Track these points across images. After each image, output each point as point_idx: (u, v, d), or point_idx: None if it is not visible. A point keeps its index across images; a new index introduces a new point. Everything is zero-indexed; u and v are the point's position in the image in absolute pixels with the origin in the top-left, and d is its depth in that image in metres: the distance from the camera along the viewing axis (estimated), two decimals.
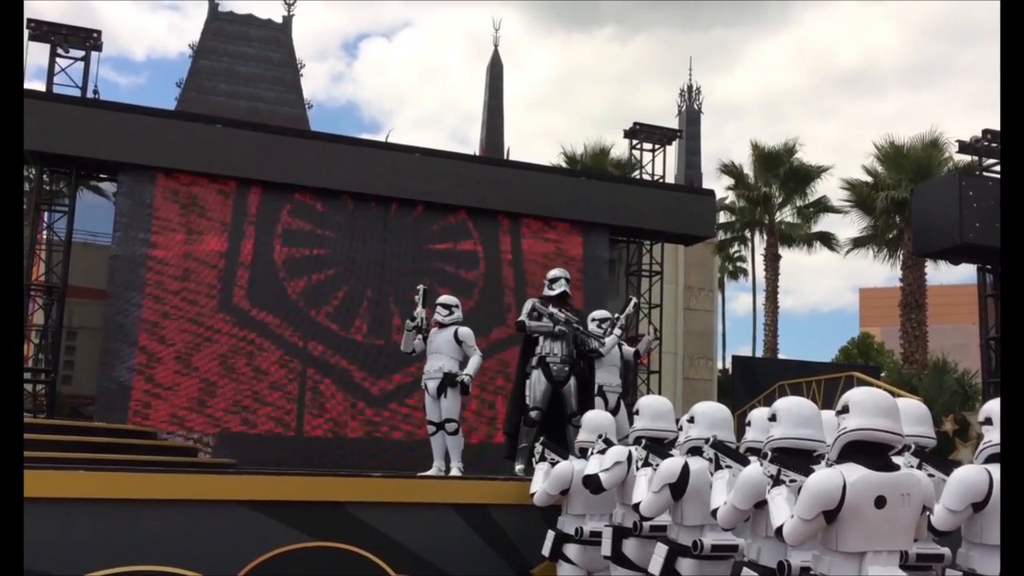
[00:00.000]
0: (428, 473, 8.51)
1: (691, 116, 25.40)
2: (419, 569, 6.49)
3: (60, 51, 14.90)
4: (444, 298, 9.00)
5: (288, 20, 22.38)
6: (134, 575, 5.86)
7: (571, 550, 6.15)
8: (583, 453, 6.27)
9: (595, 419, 6.52)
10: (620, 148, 25.38)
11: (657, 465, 5.28)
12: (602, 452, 5.93)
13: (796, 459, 4.25)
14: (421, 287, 9.10)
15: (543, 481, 6.43)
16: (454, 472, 8.46)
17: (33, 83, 23.94)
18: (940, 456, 5.71)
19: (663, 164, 18.98)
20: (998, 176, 16.20)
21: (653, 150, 18.94)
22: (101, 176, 15.73)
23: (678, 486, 5.07)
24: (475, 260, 16.02)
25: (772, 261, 27.44)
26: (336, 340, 14.85)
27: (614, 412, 8.59)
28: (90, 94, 15.21)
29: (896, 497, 3.80)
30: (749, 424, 5.37)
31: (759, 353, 27.89)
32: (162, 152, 14.24)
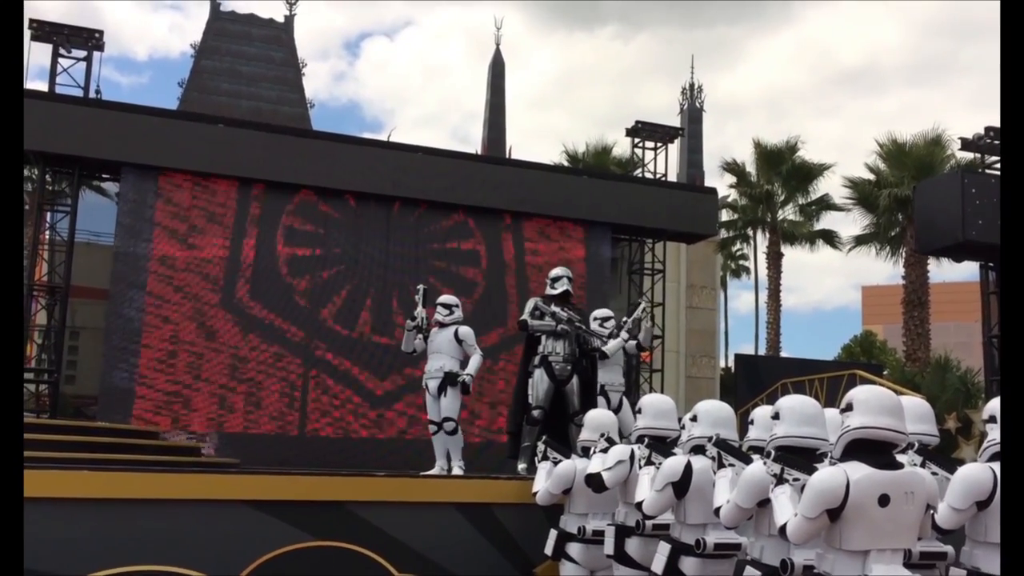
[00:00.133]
0: (431, 472, 8.51)
1: (693, 114, 25.40)
2: (422, 568, 6.50)
3: (62, 51, 14.90)
4: (444, 298, 9.00)
5: (290, 19, 22.40)
6: (138, 575, 5.86)
7: (574, 549, 6.16)
8: (585, 452, 6.27)
9: (597, 418, 6.52)
10: (622, 146, 25.45)
11: (660, 464, 5.27)
12: (604, 451, 5.93)
13: (799, 457, 4.24)
14: (421, 287, 9.11)
15: (546, 480, 6.43)
16: (456, 471, 8.47)
17: (35, 83, 23.98)
18: (943, 454, 5.71)
19: (665, 162, 19.00)
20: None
21: (655, 148, 18.93)
22: (103, 176, 15.73)
23: (681, 485, 5.07)
24: (477, 259, 16.01)
25: (774, 259, 27.42)
26: (339, 339, 14.85)
27: (617, 410, 8.60)
28: (92, 94, 15.21)
29: (900, 495, 3.79)
30: (752, 422, 5.37)
31: (761, 351, 27.87)
32: (164, 152, 14.25)
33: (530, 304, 9.18)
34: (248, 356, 14.32)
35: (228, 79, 21.23)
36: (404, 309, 13.06)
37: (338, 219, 15.31)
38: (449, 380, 8.60)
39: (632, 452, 5.74)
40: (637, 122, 18.78)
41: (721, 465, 4.75)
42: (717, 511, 4.65)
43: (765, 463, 4.27)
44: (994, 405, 4.47)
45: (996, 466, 4.17)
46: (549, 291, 9.31)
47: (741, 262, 34.53)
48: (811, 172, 26.92)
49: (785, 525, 3.96)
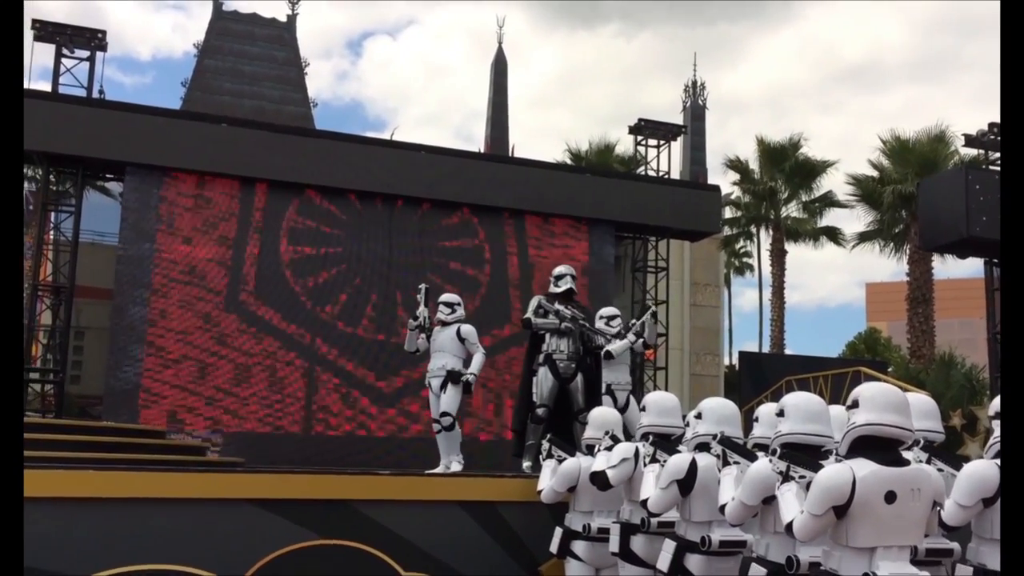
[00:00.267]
0: (436, 471, 8.52)
1: (696, 112, 25.31)
2: (427, 567, 6.50)
3: (65, 51, 14.90)
4: (446, 296, 9.00)
5: (292, 19, 22.37)
6: (144, 574, 5.88)
7: (579, 547, 6.16)
8: (590, 450, 6.27)
9: (602, 416, 6.52)
10: (625, 144, 25.44)
11: (664, 461, 5.27)
12: (609, 449, 5.93)
13: (804, 455, 4.24)
14: (423, 286, 9.12)
15: (550, 478, 6.43)
16: (453, 467, 8.45)
17: (39, 84, 24.02)
18: (948, 451, 5.70)
19: (668, 160, 18.95)
20: None
21: (658, 146, 18.91)
22: (107, 176, 15.73)
23: (686, 482, 5.08)
24: (480, 257, 16.01)
25: (778, 256, 27.39)
26: (343, 338, 14.86)
27: (624, 410, 8.60)
28: (95, 94, 15.21)
29: (906, 492, 3.79)
30: (756, 420, 5.37)
31: (766, 349, 27.87)
32: (168, 151, 14.26)
33: (534, 302, 9.18)
34: (252, 355, 14.33)
35: (231, 79, 21.22)
36: (408, 308, 13.06)
37: (341, 218, 15.31)
38: (451, 378, 8.61)
39: (637, 450, 5.74)
40: (640, 120, 18.76)
41: (726, 463, 4.75)
42: (722, 508, 4.65)
43: (771, 460, 4.27)
44: (1000, 402, 4.47)
45: None
46: (553, 289, 9.32)
47: (745, 259, 34.52)
48: (814, 169, 26.89)
49: (792, 522, 3.96)
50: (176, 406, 13.80)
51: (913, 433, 4.07)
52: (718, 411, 5.30)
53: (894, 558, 3.78)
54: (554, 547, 6.34)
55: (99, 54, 15.10)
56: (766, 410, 5.25)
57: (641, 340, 9.37)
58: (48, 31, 14.81)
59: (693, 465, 5.08)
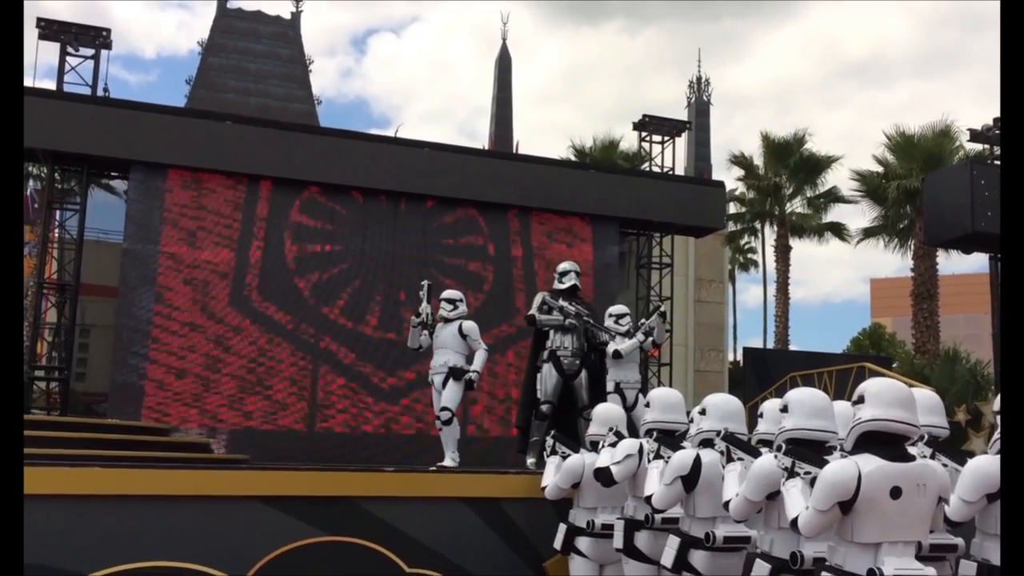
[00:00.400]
0: (443, 463, 8.51)
1: (700, 108, 25.25)
2: (432, 563, 6.51)
3: (70, 50, 14.92)
4: (448, 293, 8.98)
5: (297, 16, 22.38)
6: (149, 571, 5.89)
7: (583, 543, 6.16)
8: (594, 446, 6.27)
9: (606, 412, 6.52)
10: (629, 140, 25.37)
11: (669, 457, 5.27)
12: (613, 445, 5.93)
13: (809, 450, 4.24)
14: (425, 283, 9.11)
15: (554, 474, 6.43)
16: (447, 463, 8.42)
17: (43, 82, 24.06)
18: (953, 446, 5.69)
19: (672, 156, 18.92)
20: None
21: (663, 142, 18.89)
22: (112, 174, 15.76)
23: (690, 478, 5.08)
24: (485, 254, 16.01)
25: (783, 252, 27.34)
26: (347, 335, 14.87)
27: (632, 408, 8.57)
28: (100, 92, 15.22)
29: (912, 488, 3.78)
30: (761, 416, 5.36)
31: (770, 344, 27.81)
32: (172, 149, 14.27)
33: (538, 299, 9.17)
34: (257, 352, 14.35)
35: (235, 76, 21.24)
36: (412, 304, 13.07)
37: (346, 215, 15.32)
38: (453, 374, 8.60)
39: (641, 446, 5.74)
40: (644, 116, 18.73)
41: (730, 459, 4.75)
42: (726, 505, 4.65)
43: (776, 456, 4.26)
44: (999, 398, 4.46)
45: None
46: (557, 285, 9.31)
47: (749, 255, 34.42)
48: (819, 164, 26.81)
49: (797, 518, 3.95)
50: (181, 403, 13.83)
51: (919, 429, 4.06)
52: (722, 407, 5.30)
53: (899, 554, 3.77)
54: (558, 543, 6.34)
55: (104, 52, 15.12)
56: (770, 406, 5.24)
57: (650, 340, 9.34)
58: (53, 29, 14.83)
59: (697, 461, 5.08)
